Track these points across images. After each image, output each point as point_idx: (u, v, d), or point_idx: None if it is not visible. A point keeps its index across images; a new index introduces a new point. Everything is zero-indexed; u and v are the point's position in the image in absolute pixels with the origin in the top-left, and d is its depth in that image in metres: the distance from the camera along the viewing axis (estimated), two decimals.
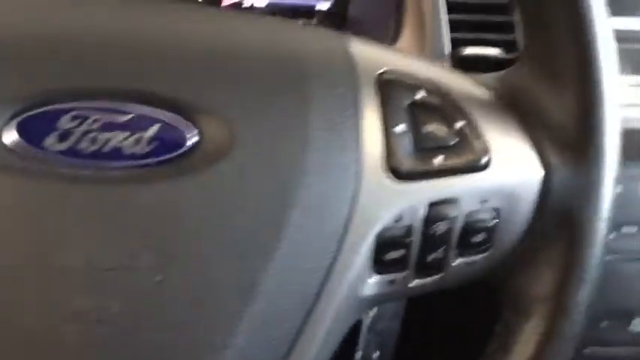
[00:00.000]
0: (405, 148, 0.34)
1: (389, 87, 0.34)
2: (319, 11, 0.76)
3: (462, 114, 0.35)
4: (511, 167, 0.35)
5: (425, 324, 0.61)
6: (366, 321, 0.58)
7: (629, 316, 0.61)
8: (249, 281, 0.31)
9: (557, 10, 0.35)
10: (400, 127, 0.34)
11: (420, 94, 0.35)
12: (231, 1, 0.75)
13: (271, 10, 0.76)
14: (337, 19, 0.76)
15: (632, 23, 0.66)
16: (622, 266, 0.61)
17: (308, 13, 0.76)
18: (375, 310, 0.57)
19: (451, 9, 0.61)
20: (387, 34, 0.65)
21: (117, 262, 0.30)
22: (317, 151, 0.32)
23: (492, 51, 0.59)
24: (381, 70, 0.35)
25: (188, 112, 0.31)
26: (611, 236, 0.60)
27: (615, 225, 0.60)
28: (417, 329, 0.60)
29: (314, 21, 0.76)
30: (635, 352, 0.61)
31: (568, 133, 0.36)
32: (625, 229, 0.60)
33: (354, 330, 0.59)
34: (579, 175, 0.36)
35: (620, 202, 0.60)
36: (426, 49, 0.60)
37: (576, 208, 0.36)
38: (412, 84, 0.35)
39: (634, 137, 0.65)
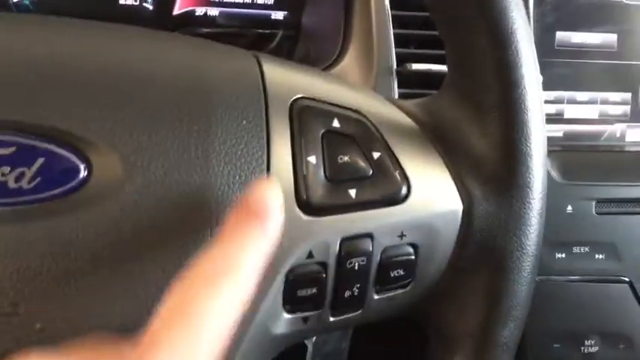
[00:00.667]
0: (317, 180, 0.32)
1: (302, 115, 0.33)
2: (274, 20, 0.74)
3: (380, 144, 0.34)
4: (430, 200, 0.34)
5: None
6: (310, 346, 0.56)
7: (581, 338, 0.60)
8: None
9: (483, 45, 0.33)
10: (313, 158, 0.32)
11: (336, 123, 0.33)
12: (183, 10, 0.73)
13: (225, 20, 0.74)
14: (292, 29, 0.74)
15: (588, 38, 0.65)
16: (573, 287, 0.59)
17: (262, 22, 0.74)
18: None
19: (397, 24, 0.59)
20: (336, 45, 0.64)
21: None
22: (219, 187, 0.30)
23: (439, 67, 0.57)
24: (295, 97, 0.33)
25: (76, 144, 0.29)
26: (562, 256, 0.59)
27: (565, 245, 0.59)
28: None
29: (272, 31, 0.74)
30: None
31: (490, 165, 0.34)
32: (575, 250, 0.59)
33: (300, 355, 0.58)
34: (502, 208, 0.34)
35: (571, 223, 0.59)
36: (373, 64, 0.58)
37: (500, 243, 0.34)
38: (327, 111, 0.33)
39: (586, 156, 0.64)
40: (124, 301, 0.29)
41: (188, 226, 0.29)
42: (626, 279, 0.60)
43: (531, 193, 0.34)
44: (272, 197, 0.28)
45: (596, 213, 0.59)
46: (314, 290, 0.32)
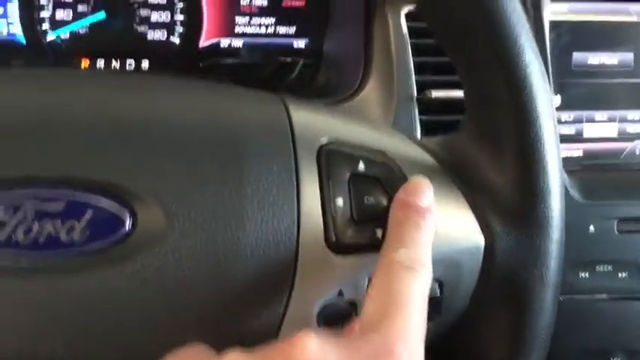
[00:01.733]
0: (345, 221, 0.34)
1: (330, 159, 0.35)
2: (296, 49, 0.77)
3: (404, 183, 0.35)
4: (453, 236, 0.35)
5: None
6: None
7: (606, 356, 0.60)
8: None
9: (499, 87, 0.35)
10: (340, 200, 0.34)
11: (361, 166, 0.35)
12: (209, 43, 0.76)
13: (249, 50, 0.76)
14: (313, 57, 0.76)
15: (605, 58, 0.66)
16: (597, 305, 0.60)
17: (285, 51, 0.76)
18: None
19: (415, 51, 0.61)
20: (357, 74, 0.65)
21: (50, 352, 0.30)
22: (253, 232, 0.32)
23: (459, 93, 0.59)
24: (322, 142, 0.35)
25: (121, 197, 0.31)
26: (585, 275, 0.60)
27: (589, 264, 0.60)
28: None
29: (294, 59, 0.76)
30: None
31: (509, 201, 0.35)
32: (599, 268, 0.60)
33: None
34: (522, 242, 0.35)
35: (593, 242, 0.60)
36: (394, 92, 0.60)
37: (522, 276, 0.36)
38: (353, 155, 0.35)
39: (606, 175, 0.65)
40: (172, 348, 0.31)
41: (225, 269, 0.31)
42: None
43: (550, 228, 0.35)
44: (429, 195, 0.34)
45: (618, 232, 0.60)
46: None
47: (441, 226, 0.35)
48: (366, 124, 0.38)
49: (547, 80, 0.36)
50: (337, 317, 0.34)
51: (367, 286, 0.34)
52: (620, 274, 0.60)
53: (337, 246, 0.33)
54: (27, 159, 0.31)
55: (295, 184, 0.33)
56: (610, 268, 0.60)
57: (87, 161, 0.31)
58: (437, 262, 0.35)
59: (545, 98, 0.36)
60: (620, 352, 0.60)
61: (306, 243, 0.33)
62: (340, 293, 0.34)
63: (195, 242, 0.31)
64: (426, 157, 0.37)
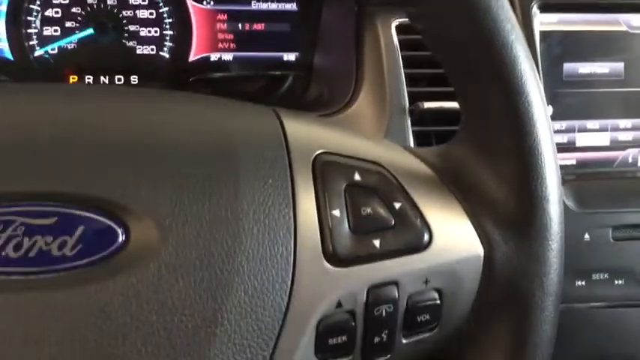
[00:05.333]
0: (342, 232, 0.33)
1: (325, 170, 0.34)
2: (287, 62, 0.76)
3: (400, 193, 0.35)
4: (452, 246, 0.35)
5: None
6: None
7: None
8: None
9: (492, 89, 0.35)
10: (337, 211, 0.33)
11: (357, 176, 0.34)
12: (198, 57, 0.75)
13: (239, 64, 0.76)
14: (303, 70, 0.76)
15: (595, 68, 0.67)
16: (594, 313, 0.60)
17: (275, 64, 0.76)
18: None
19: (407, 63, 0.61)
20: (349, 86, 0.65)
21: None
22: (249, 245, 0.31)
23: (451, 104, 0.59)
24: (317, 153, 0.34)
25: (113, 212, 0.30)
26: (582, 283, 0.60)
27: (585, 272, 0.60)
28: None
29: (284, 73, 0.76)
30: None
31: (508, 210, 0.35)
32: (595, 276, 0.59)
33: None
34: (522, 251, 0.35)
35: (589, 250, 0.60)
36: (386, 104, 0.60)
37: (522, 285, 0.35)
38: (348, 165, 0.35)
39: (600, 184, 0.65)
40: (158, 354, 0.30)
41: (221, 282, 0.31)
42: None
43: (549, 235, 0.35)
44: None
45: (613, 239, 0.60)
46: (344, 338, 0.33)
47: (440, 236, 0.35)
48: (360, 136, 0.38)
49: (542, 88, 0.36)
50: (336, 328, 0.33)
51: (366, 296, 0.33)
52: (616, 282, 0.60)
53: (335, 257, 0.33)
54: (17, 174, 0.30)
55: (291, 195, 0.33)
56: (606, 276, 0.60)
57: (78, 176, 0.31)
58: (436, 272, 0.35)
59: (541, 106, 0.35)
60: (620, 359, 0.60)
61: (304, 255, 0.32)
62: (339, 304, 0.33)
63: (190, 256, 0.31)
64: (422, 167, 0.37)
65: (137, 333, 0.30)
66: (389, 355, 0.35)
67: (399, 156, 0.37)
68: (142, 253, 0.30)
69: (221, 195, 0.32)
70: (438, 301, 0.35)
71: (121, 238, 0.31)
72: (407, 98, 0.60)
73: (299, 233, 0.32)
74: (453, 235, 0.35)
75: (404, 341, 0.35)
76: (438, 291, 0.35)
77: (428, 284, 0.34)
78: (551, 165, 0.35)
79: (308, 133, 0.36)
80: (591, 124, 0.66)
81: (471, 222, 0.36)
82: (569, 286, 0.59)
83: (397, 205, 0.34)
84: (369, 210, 0.34)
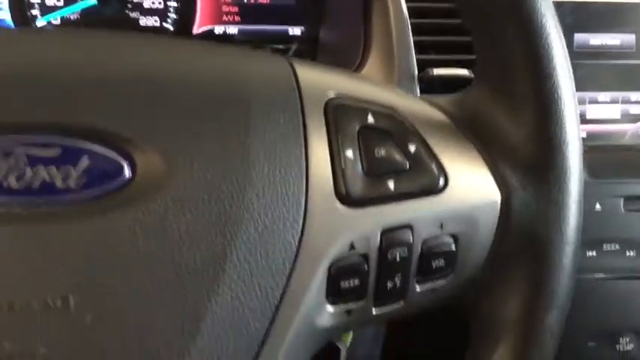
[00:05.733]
0: (355, 173, 0.32)
1: (337, 112, 0.33)
2: (292, 36, 0.75)
3: (415, 137, 0.34)
4: (468, 190, 0.34)
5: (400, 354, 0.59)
6: (343, 350, 0.56)
7: (616, 336, 0.59)
8: (191, 319, 0.29)
9: (511, 31, 0.34)
10: (350, 152, 0.32)
11: (370, 118, 0.33)
12: (202, 29, 0.74)
13: (244, 37, 0.75)
14: (310, 44, 0.75)
15: (607, 39, 0.65)
16: (605, 285, 0.59)
17: (280, 38, 0.75)
18: (351, 335, 0.55)
19: (417, 31, 0.60)
20: (356, 56, 0.64)
21: (44, 303, 0.28)
22: (260, 182, 0.30)
23: (460, 71, 0.58)
24: (329, 96, 0.33)
25: (119, 144, 0.29)
26: (592, 254, 0.59)
27: (595, 243, 0.58)
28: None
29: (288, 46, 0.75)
30: None
31: (526, 154, 0.34)
32: (606, 247, 0.58)
33: (332, 358, 0.57)
34: (541, 197, 0.34)
35: (600, 221, 0.59)
36: (394, 71, 0.59)
37: (540, 231, 0.34)
38: (361, 108, 0.34)
39: (612, 154, 0.64)
40: (174, 298, 0.29)
41: (230, 218, 0.30)
42: None
43: (569, 180, 0.34)
44: None
45: (625, 210, 0.59)
46: (356, 282, 0.32)
47: (456, 181, 0.34)
48: (373, 82, 0.37)
49: (562, 34, 0.35)
50: (349, 271, 0.32)
51: (379, 239, 0.32)
52: (627, 253, 0.59)
53: (348, 198, 0.32)
54: (20, 105, 0.29)
55: (303, 136, 0.32)
56: (617, 246, 0.59)
57: (84, 108, 0.30)
58: (452, 217, 0.34)
59: (560, 49, 0.34)
60: (630, 333, 0.59)
61: (316, 194, 0.31)
62: (352, 247, 0.32)
63: (198, 191, 0.30)
64: (437, 114, 0.36)
65: (143, 268, 0.29)
66: (402, 302, 0.34)
67: (413, 102, 0.36)
68: (149, 187, 0.29)
69: (231, 133, 0.31)
70: (454, 247, 0.34)
71: (127, 171, 0.30)
72: (416, 66, 0.59)
73: (311, 173, 0.31)
74: (470, 180, 0.34)
75: (417, 288, 0.34)
76: (454, 236, 0.34)
77: (443, 229, 0.33)
78: (570, 109, 0.34)
79: (320, 77, 0.35)
80: (602, 96, 0.65)
81: (488, 167, 0.35)
82: (580, 257, 0.58)
83: (412, 148, 0.33)
84: (382, 152, 0.33)
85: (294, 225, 0.31)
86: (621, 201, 0.59)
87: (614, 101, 0.66)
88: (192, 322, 0.29)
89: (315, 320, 0.32)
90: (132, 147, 0.29)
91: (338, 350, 0.57)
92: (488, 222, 0.34)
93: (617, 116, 0.66)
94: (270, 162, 0.31)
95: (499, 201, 0.34)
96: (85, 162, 0.29)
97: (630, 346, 0.59)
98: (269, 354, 0.31)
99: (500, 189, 0.34)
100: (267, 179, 0.31)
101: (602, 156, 0.63)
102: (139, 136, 0.29)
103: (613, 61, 0.66)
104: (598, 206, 0.58)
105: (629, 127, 0.66)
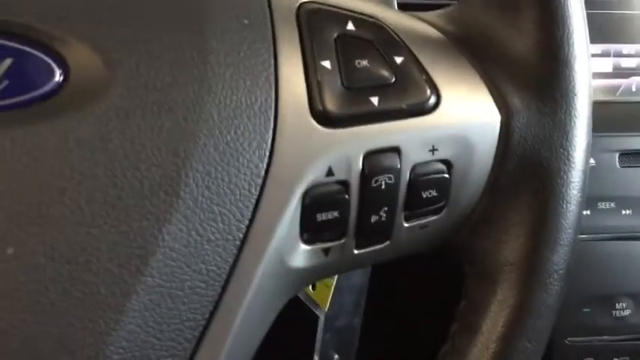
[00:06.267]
0: (333, 87, 0.28)
1: (312, 17, 0.28)
2: None
3: (402, 48, 0.29)
4: (463, 110, 0.29)
5: (385, 308, 0.54)
6: (322, 316, 0.51)
7: (612, 301, 0.55)
8: (138, 254, 0.24)
9: None
10: (327, 63, 0.28)
11: (350, 26, 0.29)
12: None
13: None
14: None
15: None
16: (600, 246, 0.55)
17: None
18: (328, 306, 0.51)
19: None
20: None
21: None
22: (220, 91, 0.26)
23: None
24: (302, 0, 0.29)
25: (47, 43, 0.24)
26: (587, 213, 0.55)
27: (590, 201, 0.55)
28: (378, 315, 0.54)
29: None
30: (620, 339, 0.55)
31: (529, 70, 0.30)
32: (601, 205, 0.54)
33: (310, 330, 0.53)
34: (545, 117, 0.30)
35: (595, 177, 0.55)
36: None
37: (544, 156, 0.30)
38: (340, 14, 0.29)
39: (605, 107, 0.60)
40: (112, 220, 0.24)
41: (185, 133, 0.25)
42: None
43: (577, 99, 0.30)
44: None
45: (620, 166, 0.55)
46: (335, 214, 0.28)
47: (449, 98, 0.29)
48: None
49: None
50: (326, 201, 0.27)
51: (361, 163, 0.28)
52: (623, 212, 0.55)
53: (325, 116, 0.27)
54: None
55: (271, 40, 0.27)
56: (613, 205, 0.55)
57: (6, 1, 0.25)
58: (444, 139, 0.29)
59: None
60: (626, 297, 0.55)
61: (287, 109, 0.27)
62: (330, 172, 0.27)
63: (145, 99, 0.25)
64: (427, 27, 0.31)
65: (79, 188, 0.24)
66: (387, 242, 0.30)
67: (399, 15, 0.31)
68: (84, 94, 0.24)
69: (184, 30, 0.26)
70: (447, 175, 0.29)
71: (58, 75, 0.24)
72: None
73: (281, 83, 0.27)
74: (465, 98, 0.30)
75: (405, 224, 0.30)
76: (447, 163, 0.29)
77: (435, 153, 0.29)
78: (578, 16, 0.30)
79: None
80: (593, 48, 0.62)
81: (486, 84, 0.30)
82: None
83: (398, 60, 0.29)
84: (364, 63, 0.28)
85: (262, 144, 0.26)
86: (616, 156, 0.55)
87: (605, 54, 0.62)
88: (139, 257, 0.24)
89: (288, 260, 0.28)
90: (63, 46, 0.24)
91: (316, 319, 0.53)
92: (486, 146, 0.30)
93: (609, 70, 0.62)
94: (233, 68, 0.26)
95: (498, 122, 0.30)
96: (7, 63, 0.24)
97: (627, 312, 0.55)
98: (233, 298, 0.26)
99: (499, 109, 0.30)
100: (230, 88, 0.26)
101: (595, 108, 0.59)
102: (71, 33, 0.24)
103: (605, 11, 0.62)
104: (592, 161, 0.54)
105: (621, 83, 0.62)
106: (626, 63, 0.63)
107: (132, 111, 0.24)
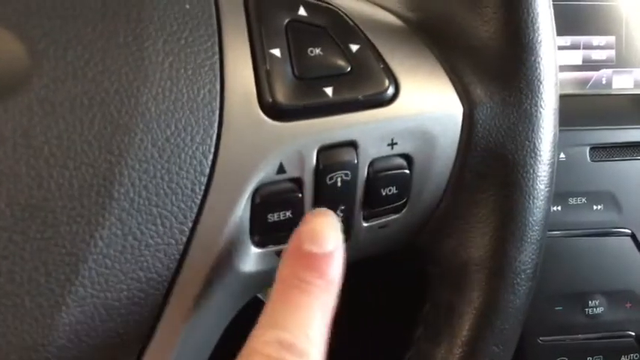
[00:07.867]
0: (284, 77, 0.26)
1: (260, 1, 0.26)
2: None
3: (358, 36, 0.27)
4: (423, 102, 0.28)
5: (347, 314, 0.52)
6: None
7: (584, 298, 0.54)
8: (68, 261, 0.22)
9: None
10: (277, 51, 0.26)
11: (302, 11, 0.27)
12: None
13: None
14: None
15: None
16: (571, 242, 0.54)
17: None
18: None
19: None
20: None
21: None
22: (158, 82, 0.23)
23: None
24: None
25: None
26: (557, 209, 0.53)
27: (561, 196, 0.53)
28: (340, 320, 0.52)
29: None
30: (593, 338, 0.54)
31: (492, 57, 0.28)
32: (572, 201, 0.53)
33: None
34: (510, 107, 0.28)
35: (565, 171, 0.54)
36: None
37: (509, 149, 0.28)
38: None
39: (574, 101, 0.59)
40: (41, 228, 0.22)
41: (118, 127, 0.23)
42: (628, 230, 0.54)
43: (543, 87, 0.28)
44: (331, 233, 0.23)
45: (591, 160, 0.54)
46: (288, 214, 0.26)
47: (408, 89, 0.27)
48: None
49: None
50: (278, 200, 0.25)
51: (315, 159, 0.26)
52: (594, 207, 0.54)
53: (274, 107, 0.25)
54: None
55: (216, 26, 0.25)
56: (584, 200, 0.54)
57: None
58: (404, 132, 0.27)
59: None
60: (599, 295, 0.54)
61: (234, 101, 0.25)
62: (281, 169, 0.25)
63: (74, 90, 0.22)
64: (384, 13, 0.30)
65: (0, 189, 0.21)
66: (346, 242, 0.28)
67: (355, 1, 0.30)
68: (5, 85, 0.22)
69: (118, 16, 0.24)
70: (407, 170, 0.28)
71: None
72: None
73: (227, 73, 0.25)
74: (425, 89, 0.28)
75: (364, 224, 0.28)
76: (407, 157, 0.28)
77: (394, 148, 0.27)
78: (544, 3, 0.28)
79: None
80: (562, 40, 0.60)
81: (447, 73, 0.28)
82: None
83: (354, 48, 0.27)
84: (317, 51, 0.26)
85: (206, 139, 0.24)
86: (587, 150, 0.54)
87: (575, 46, 0.61)
88: (68, 266, 0.22)
89: (238, 264, 0.26)
90: None
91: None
92: (448, 139, 0.28)
93: (579, 62, 0.61)
94: (173, 56, 0.24)
95: (461, 114, 0.28)
96: None
97: (600, 309, 0.54)
98: (177, 309, 0.24)
99: (461, 100, 0.28)
100: (169, 78, 0.24)
101: (564, 102, 0.57)
102: None
103: (574, 2, 0.61)
104: (562, 155, 0.53)
105: (591, 75, 0.61)
106: (597, 55, 0.62)
107: (58, 103, 0.22)
